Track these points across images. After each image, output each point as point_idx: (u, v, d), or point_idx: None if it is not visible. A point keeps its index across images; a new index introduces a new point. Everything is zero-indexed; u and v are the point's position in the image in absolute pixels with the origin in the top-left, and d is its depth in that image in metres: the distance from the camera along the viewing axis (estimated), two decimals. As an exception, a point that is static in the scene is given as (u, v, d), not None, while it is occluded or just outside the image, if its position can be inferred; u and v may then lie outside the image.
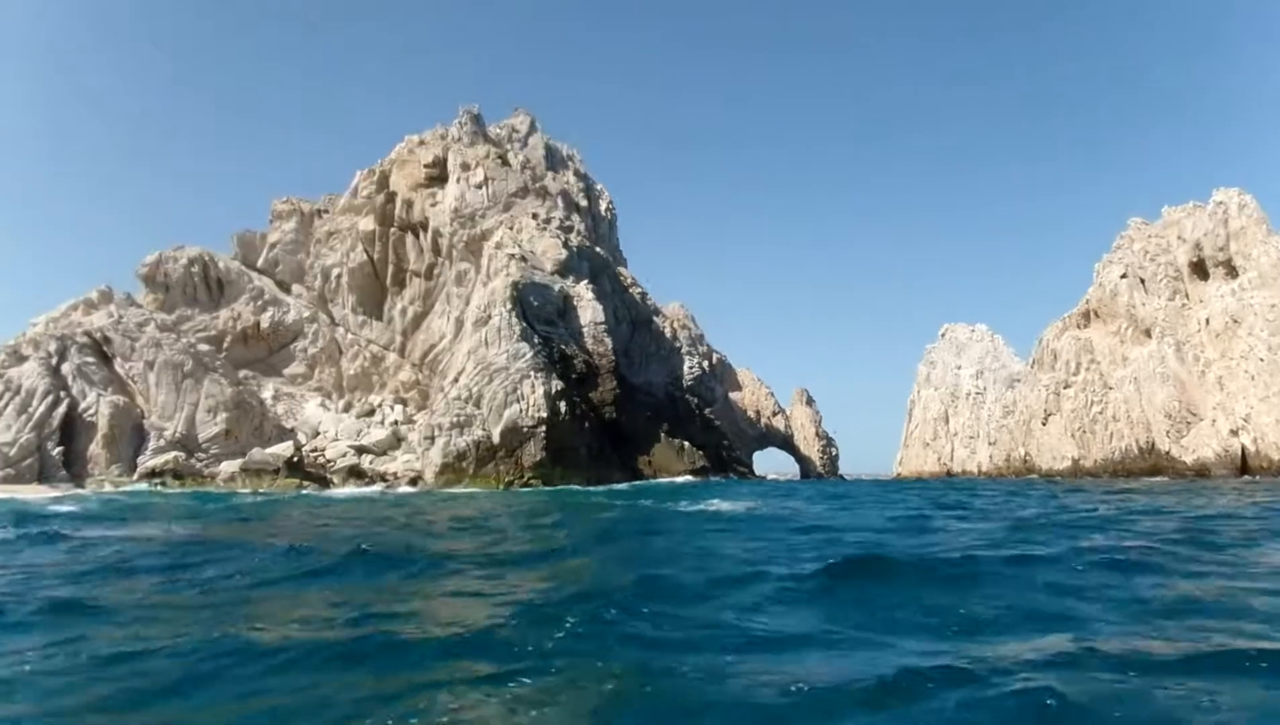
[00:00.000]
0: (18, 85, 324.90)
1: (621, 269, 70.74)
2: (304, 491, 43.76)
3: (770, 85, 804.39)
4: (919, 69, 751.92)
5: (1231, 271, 72.15)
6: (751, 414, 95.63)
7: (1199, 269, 74.91)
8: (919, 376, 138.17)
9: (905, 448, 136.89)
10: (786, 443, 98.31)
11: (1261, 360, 65.91)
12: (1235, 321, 68.96)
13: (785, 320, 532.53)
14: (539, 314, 53.23)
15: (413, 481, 49.53)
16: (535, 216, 60.40)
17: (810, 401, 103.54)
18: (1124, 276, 77.88)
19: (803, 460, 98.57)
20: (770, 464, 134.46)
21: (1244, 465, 64.76)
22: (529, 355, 49.20)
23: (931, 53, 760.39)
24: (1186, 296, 75.17)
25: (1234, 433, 66.24)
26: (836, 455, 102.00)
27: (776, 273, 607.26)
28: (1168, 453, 69.26)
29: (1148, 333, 74.83)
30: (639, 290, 68.35)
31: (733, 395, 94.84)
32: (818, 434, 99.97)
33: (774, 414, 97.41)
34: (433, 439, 47.89)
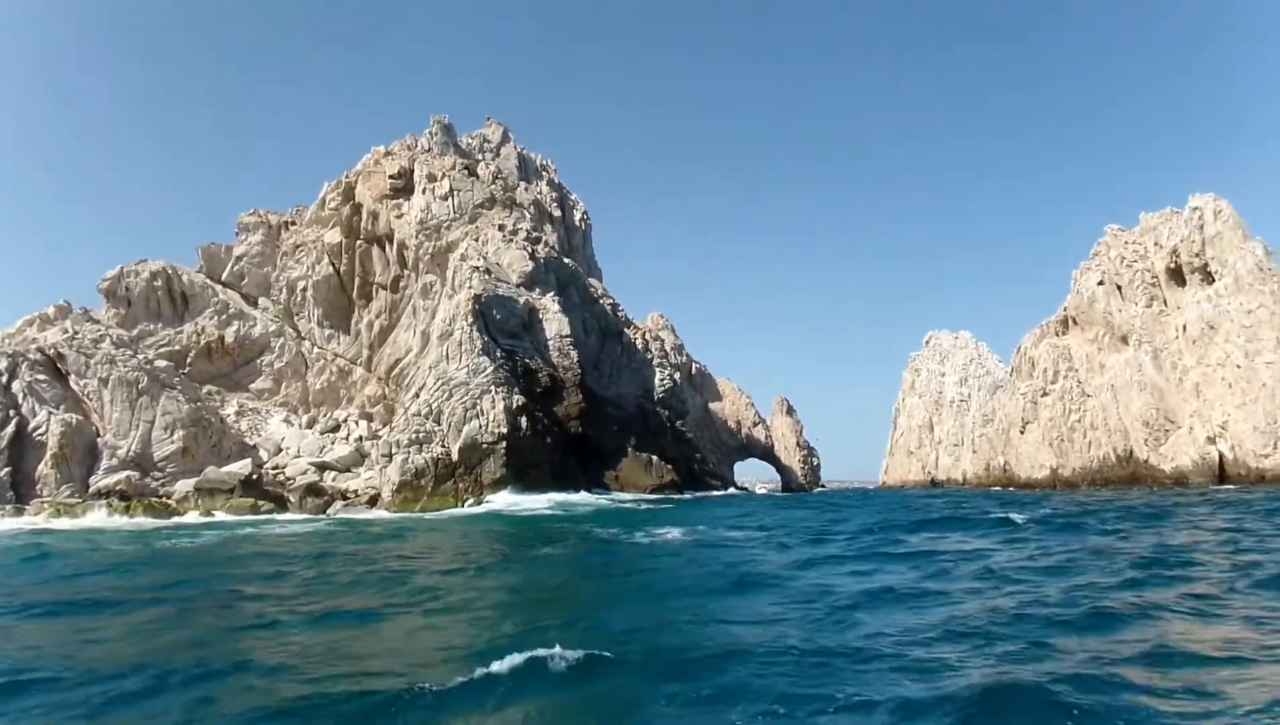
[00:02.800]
0: None
1: (593, 280, 69.87)
2: (249, 516, 42.77)
3: (757, 95, 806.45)
4: (904, 81, 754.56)
5: (1208, 277, 71.70)
6: (732, 424, 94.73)
7: (1176, 275, 74.45)
8: (904, 384, 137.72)
9: (890, 456, 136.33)
10: (767, 453, 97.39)
11: (1238, 367, 65.37)
12: (1212, 328, 68.46)
13: (769, 330, 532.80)
14: (502, 327, 52.32)
15: (372, 500, 48.49)
16: (502, 228, 59.52)
17: (791, 411, 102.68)
18: (1101, 283, 77.38)
19: (784, 471, 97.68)
20: (753, 473, 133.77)
21: (1222, 473, 64.13)
22: (489, 370, 48.25)
23: (916, 66, 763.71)
24: (1164, 303, 74.69)
25: (1211, 441, 65.66)
26: (818, 465, 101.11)
27: (760, 282, 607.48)
28: (1146, 461, 68.62)
29: (1125, 340, 74.30)
30: (610, 301, 67.50)
31: (713, 406, 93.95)
32: (799, 444, 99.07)
33: (755, 424, 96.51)
34: (390, 456, 46.90)
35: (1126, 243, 79.23)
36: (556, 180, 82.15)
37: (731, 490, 64.38)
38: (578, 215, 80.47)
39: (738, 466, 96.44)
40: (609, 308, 66.18)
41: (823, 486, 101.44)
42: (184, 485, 48.89)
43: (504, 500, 42.57)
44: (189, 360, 62.59)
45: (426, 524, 29.51)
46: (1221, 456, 64.62)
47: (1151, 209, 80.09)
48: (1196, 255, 72.17)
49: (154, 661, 7.55)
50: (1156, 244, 76.70)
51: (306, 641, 8.66)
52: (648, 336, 68.63)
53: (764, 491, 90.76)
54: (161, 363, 55.79)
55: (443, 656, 7.78)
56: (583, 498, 44.60)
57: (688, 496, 51.76)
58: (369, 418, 61.42)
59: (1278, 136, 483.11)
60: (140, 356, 54.50)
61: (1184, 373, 69.61)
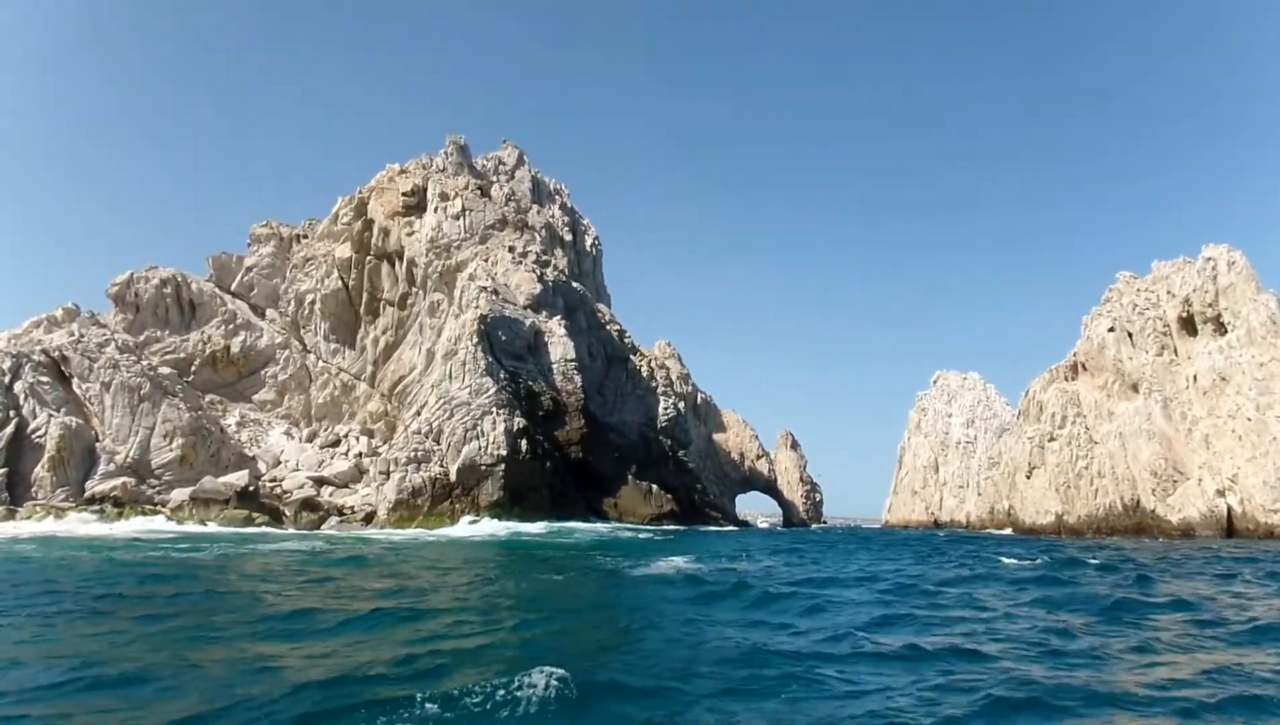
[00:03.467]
0: None
1: (601, 306, 69.74)
2: (241, 529, 42.38)
3: (766, 129, 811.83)
4: (926, 117, 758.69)
5: (1220, 328, 71.06)
6: (735, 456, 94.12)
7: (1188, 325, 73.84)
8: (910, 423, 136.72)
9: (894, 495, 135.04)
10: (770, 487, 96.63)
11: (1249, 419, 64.55)
12: (1224, 379, 67.72)
13: (777, 363, 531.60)
14: (507, 348, 52.10)
15: (368, 518, 48.09)
16: (512, 249, 59.52)
17: (795, 445, 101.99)
18: (1112, 330, 76.79)
19: (785, 505, 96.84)
20: (755, 506, 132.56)
21: (1230, 527, 63.14)
22: (492, 391, 47.96)
23: (927, 98, 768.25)
24: (1175, 352, 74.02)
25: (1220, 493, 64.69)
26: (820, 501, 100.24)
27: (769, 316, 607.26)
28: (1153, 511, 67.62)
29: (1135, 387, 73.56)
30: (616, 327, 67.29)
31: (717, 437, 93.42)
32: (801, 479, 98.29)
33: (758, 457, 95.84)
34: (388, 474, 46.52)
35: (1139, 290, 78.74)
36: (569, 204, 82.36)
37: (729, 527, 63.44)
38: (589, 240, 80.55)
39: (740, 499, 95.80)
40: (615, 334, 65.96)
41: (824, 523, 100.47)
42: (180, 494, 48.61)
43: (496, 525, 42.05)
44: (194, 368, 62.54)
45: (420, 554, 28.92)
46: (1230, 509, 63.63)
47: (1165, 257, 79.69)
48: (1209, 305, 71.60)
49: None
50: (1169, 292, 76.19)
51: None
52: (653, 364, 68.30)
53: (766, 525, 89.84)
54: (165, 370, 55.73)
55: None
56: (578, 525, 44.07)
57: (681, 528, 51.08)
58: (370, 434, 61.13)
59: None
60: (144, 362, 54.44)
61: (1194, 423, 68.79)
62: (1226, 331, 70.11)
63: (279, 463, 57.68)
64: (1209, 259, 73.20)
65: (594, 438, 54.54)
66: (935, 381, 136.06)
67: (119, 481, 47.96)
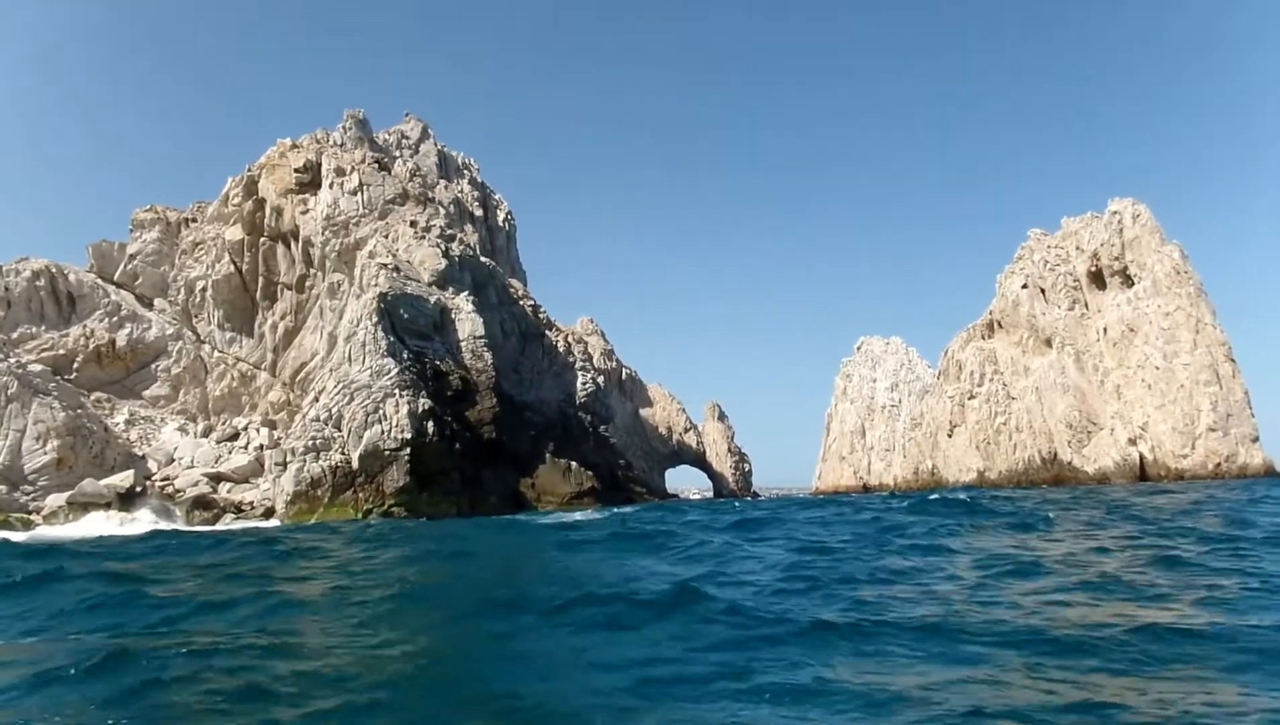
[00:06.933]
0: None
1: (514, 282, 67.37)
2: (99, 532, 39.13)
3: (687, 103, 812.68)
4: (836, 97, 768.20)
5: (1128, 281, 72.52)
6: (663, 431, 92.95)
7: (1097, 278, 75.22)
8: (836, 390, 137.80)
9: (823, 462, 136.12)
10: (699, 460, 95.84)
11: (1157, 368, 66.00)
12: (1131, 330, 69.11)
13: (704, 336, 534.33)
14: (410, 327, 49.52)
15: (267, 513, 45.25)
16: (414, 224, 56.71)
17: (723, 417, 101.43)
18: (1025, 287, 77.81)
19: (715, 477, 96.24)
20: (688, 481, 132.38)
21: (1143, 473, 64.58)
22: (394, 372, 45.42)
23: (850, 83, 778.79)
24: (1085, 306, 75.37)
25: (1132, 442, 66.11)
26: (750, 471, 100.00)
27: (693, 288, 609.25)
28: (1070, 463, 68.85)
29: (1049, 342, 74.69)
30: (530, 302, 65.09)
31: (644, 412, 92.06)
32: (730, 450, 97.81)
33: (686, 430, 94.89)
34: (285, 465, 43.70)
35: (1049, 246, 79.92)
36: (479, 179, 79.47)
37: (682, 493, 62.34)
38: (501, 216, 77.89)
39: (671, 473, 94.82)
40: (529, 309, 63.77)
41: (755, 493, 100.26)
42: (55, 499, 44.93)
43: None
44: (76, 365, 58.15)
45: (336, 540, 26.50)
46: (1142, 457, 65.07)
47: (1074, 213, 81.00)
48: (1116, 258, 72.98)
49: None
50: (1078, 248, 77.49)
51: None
52: (570, 340, 66.37)
53: (698, 497, 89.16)
54: (36, 367, 51.51)
55: None
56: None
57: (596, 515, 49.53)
58: (272, 426, 57.85)
59: (1194, 140, 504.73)
60: (11, 361, 50.16)
61: (1105, 374, 70.17)
62: (1134, 283, 71.58)
63: (172, 461, 54.09)
64: (1115, 213, 74.59)
65: (508, 416, 52.45)
66: (859, 347, 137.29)
67: (-14, 490, 44.02)
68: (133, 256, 63.81)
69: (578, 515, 35.61)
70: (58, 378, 52.98)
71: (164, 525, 39.86)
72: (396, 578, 13.59)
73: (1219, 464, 61.35)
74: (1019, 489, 67.51)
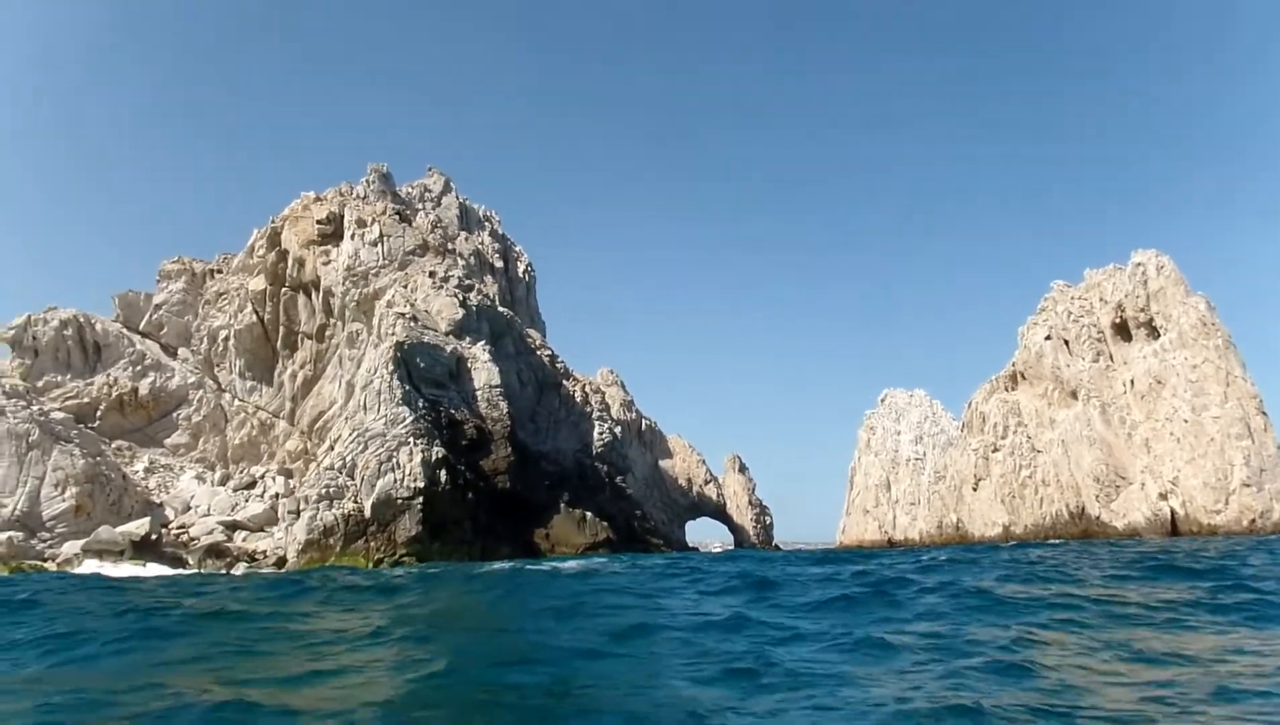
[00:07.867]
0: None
1: (532, 332, 67.61)
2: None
3: (711, 158, 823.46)
4: (863, 147, 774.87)
5: (1153, 332, 71.39)
6: (683, 482, 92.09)
7: (1122, 330, 74.14)
8: (860, 443, 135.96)
9: (847, 515, 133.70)
10: (719, 512, 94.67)
11: (1186, 421, 64.53)
12: (1159, 382, 67.80)
13: (725, 388, 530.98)
14: (426, 376, 49.66)
15: (280, 562, 45.00)
16: (432, 275, 57.28)
17: (743, 468, 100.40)
18: (1048, 338, 76.83)
19: (736, 529, 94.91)
20: (709, 533, 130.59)
21: (1174, 528, 62.73)
22: (409, 420, 45.42)
23: (873, 129, 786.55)
24: (1110, 358, 74.18)
25: (1163, 497, 64.38)
26: (771, 524, 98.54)
27: (716, 341, 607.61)
28: (1098, 517, 67.10)
29: (1074, 394, 73.42)
30: (548, 352, 65.19)
31: (663, 463, 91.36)
32: (750, 502, 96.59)
33: (706, 482, 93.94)
34: (298, 513, 43.57)
35: (1073, 298, 79.07)
36: (500, 231, 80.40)
37: (705, 546, 61.48)
38: (521, 267, 78.58)
39: (691, 525, 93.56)
40: (547, 359, 63.84)
41: (777, 547, 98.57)
42: (71, 547, 45.00)
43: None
44: (99, 413, 58.84)
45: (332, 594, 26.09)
46: (1173, 512, 63.30)
47: (1096, 265, 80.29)
48: (1141, 310, 71.98)
49: None
50: (1102, 299, 76.59)
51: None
52: (588, 389, 66.24)
53: (720, 549, 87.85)
54: (59, 414, 52.14)
55: None
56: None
57: (602, 560, 48.73)
58: (288, 474, 57.98)
59: (1216, 194, 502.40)
60: (34, 408, 50.83)
61: (1133, 428, 68.69)
62: (1159, 335, 70.43)
63: (189, 508, 54.23)
64: (1138, 264, 73.76)
65: (523, 466, 52.15)
66: (883, 400, 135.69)
67: (3, 537, 44.22)
68: (158, 306, 64.94)
69: (571, 563, 35.00)
70: (80, 425, 53.55)
71: (167, 571, 39.74)
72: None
73: (1253, 520, 59.48)
74: (1048, 544, 65.88)
